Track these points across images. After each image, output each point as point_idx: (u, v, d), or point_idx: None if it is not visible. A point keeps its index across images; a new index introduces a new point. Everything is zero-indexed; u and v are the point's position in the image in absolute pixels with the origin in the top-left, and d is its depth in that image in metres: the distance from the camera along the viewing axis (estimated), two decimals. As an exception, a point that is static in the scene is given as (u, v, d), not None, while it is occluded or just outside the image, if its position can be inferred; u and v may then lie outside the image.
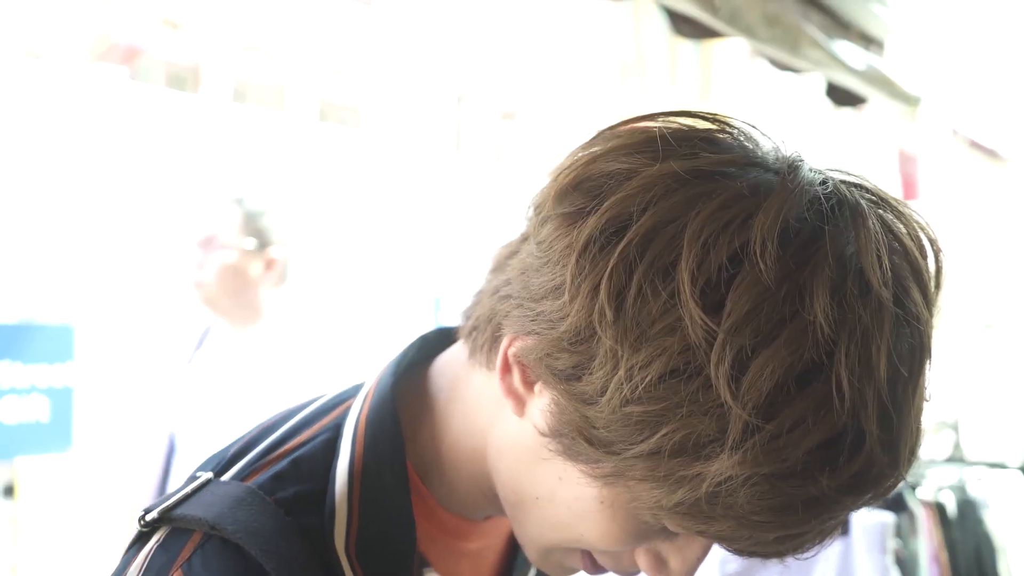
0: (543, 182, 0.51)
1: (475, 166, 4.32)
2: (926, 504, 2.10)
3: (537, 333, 0.48)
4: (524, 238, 0.52)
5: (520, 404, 0.51)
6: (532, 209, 0.51)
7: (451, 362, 0.59)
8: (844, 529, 0.48)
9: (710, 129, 0.49)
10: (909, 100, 2.35)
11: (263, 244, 1.74)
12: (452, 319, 0.61)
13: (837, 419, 0.42)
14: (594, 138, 0.50)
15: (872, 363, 0.43)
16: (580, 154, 0.49)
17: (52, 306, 2.76)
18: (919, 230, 0.47)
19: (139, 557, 0.51)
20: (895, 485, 0.46)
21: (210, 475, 0.55)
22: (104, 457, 2.66)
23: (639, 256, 0.44)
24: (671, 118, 0.49)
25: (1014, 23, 3.80)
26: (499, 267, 0.55)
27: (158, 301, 2.90)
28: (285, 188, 3.22)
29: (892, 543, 1.92)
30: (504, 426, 0.53)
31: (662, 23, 2.10)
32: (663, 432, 0.43)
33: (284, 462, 0.54)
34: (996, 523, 2.24)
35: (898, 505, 2.02)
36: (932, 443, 2.78)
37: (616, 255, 0.44)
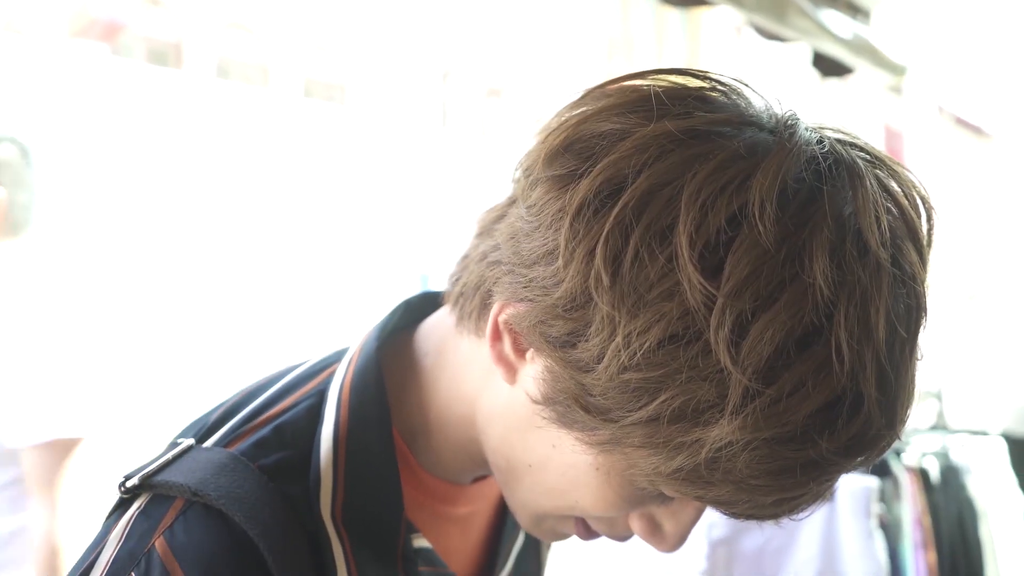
0: (531, 143, 0.50)
1: (461, 143, 4.30)
2: (910, 470, 2.13)
3: (530, 300, 0.47)
4: (512, 201, 0.51)
5: (511, 371, 0.50)
6: (520, 171, 0.50)
7: (437, 327, 0.59)
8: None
9: (702, 87, 0.48)
10: (895, 70, 2.36)
11: None
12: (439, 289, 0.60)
13: (836, 382, 0.42)
14: (582, 97, 0.49)
15: (871, 325, 0.42)
16: (569, 114, 0.48)
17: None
18: (913, 189, 0.47)
19: (119, 524, 0.50)
20: (890, 445, 0.46)
21: (191, 441, 0.54)
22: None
23: (635, 219, 0.43)
24: (661, 75, 0.48)
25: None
26: (485, 231, 0.54)
27: (141, 279, 2.88)
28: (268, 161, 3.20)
29: (876, 507, 1.95)
30: (494, 393, 0.53)
31: (649, -3, 2.09)
32: (662, 398, 0.43)
33: (266, 429, 0.54)
34: (978, 489, 2.27)
35: (883, 470, 2.04)
36: (917, 412, 2.81)
37: (611, 219, 0.43)
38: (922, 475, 2.15)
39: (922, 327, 0.46)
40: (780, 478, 0.44)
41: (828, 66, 2.29)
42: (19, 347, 1.48)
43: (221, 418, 0.56)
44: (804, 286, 0.42)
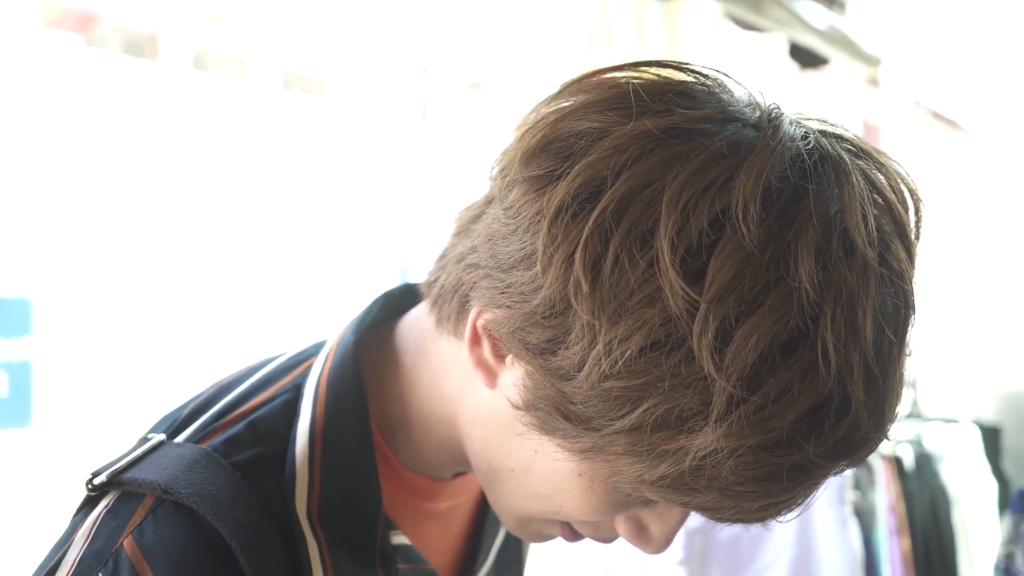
0: (508, 140, 0.48)
1: (441, 136, 4.29)
2: (884, 457, 2.15)
3: (508, 306, 0.46)
4: (489, 200, 0.50)
5: (491, 376, 0.49)
6: (497, 170, 0.49)
7: (417, 323, 0.57)
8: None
9: (683, 81, 0.46)
10: (870, 61, 2.38)
11: None
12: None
13: (823, 386, 0.41)
14: (559, 92, 0.47)
15: (858, 326, 0.42)
16: (546, 110, 0.46)
17: (8, 279, 2.70)
18: (900, 181, 0.46)
19: (87, 522, 0.49)
20: (877, 446, 0.45)
21: (163, 437, 0.52)
22: (64, 433, 2.62)
23: (615, 223, 0.42)
24: (640, 68, 0.47)
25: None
26: (463, 231, 0.52)
27: (118, 274, 2.85)
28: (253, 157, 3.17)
29: (850, 495, 1.97)
30: (475, 397, 0.52)
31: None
32: (644, 407, 0.42)
33: (240, 425, 0.52)
34: (950, 476, 2.30)
35: (857, 458, 2.06)
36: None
37: (590, 223, 0.42)
38: (896, 463, 2.17)
39: (910, 326, 0.45)
40: (766, 484, 0.43)
41: (805, 58, 2.30)
42: None
43: (194, 413, 0.55)
44: (789, 289, 0.41)
